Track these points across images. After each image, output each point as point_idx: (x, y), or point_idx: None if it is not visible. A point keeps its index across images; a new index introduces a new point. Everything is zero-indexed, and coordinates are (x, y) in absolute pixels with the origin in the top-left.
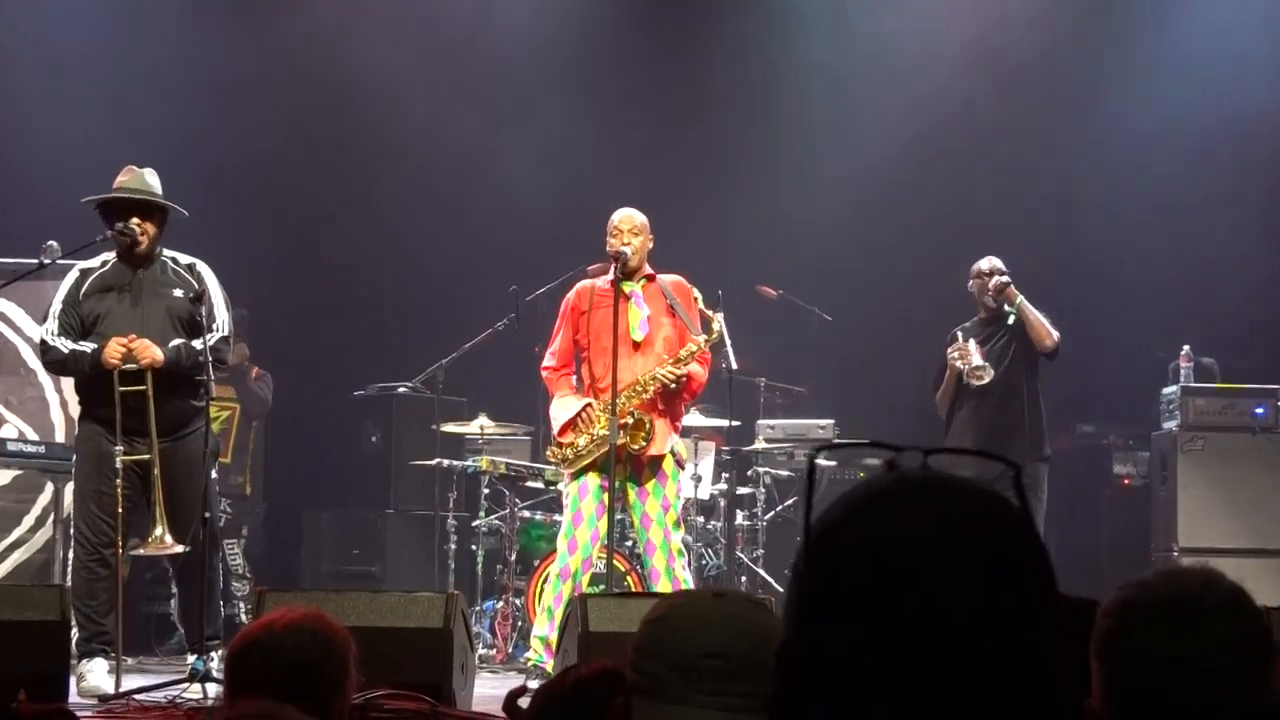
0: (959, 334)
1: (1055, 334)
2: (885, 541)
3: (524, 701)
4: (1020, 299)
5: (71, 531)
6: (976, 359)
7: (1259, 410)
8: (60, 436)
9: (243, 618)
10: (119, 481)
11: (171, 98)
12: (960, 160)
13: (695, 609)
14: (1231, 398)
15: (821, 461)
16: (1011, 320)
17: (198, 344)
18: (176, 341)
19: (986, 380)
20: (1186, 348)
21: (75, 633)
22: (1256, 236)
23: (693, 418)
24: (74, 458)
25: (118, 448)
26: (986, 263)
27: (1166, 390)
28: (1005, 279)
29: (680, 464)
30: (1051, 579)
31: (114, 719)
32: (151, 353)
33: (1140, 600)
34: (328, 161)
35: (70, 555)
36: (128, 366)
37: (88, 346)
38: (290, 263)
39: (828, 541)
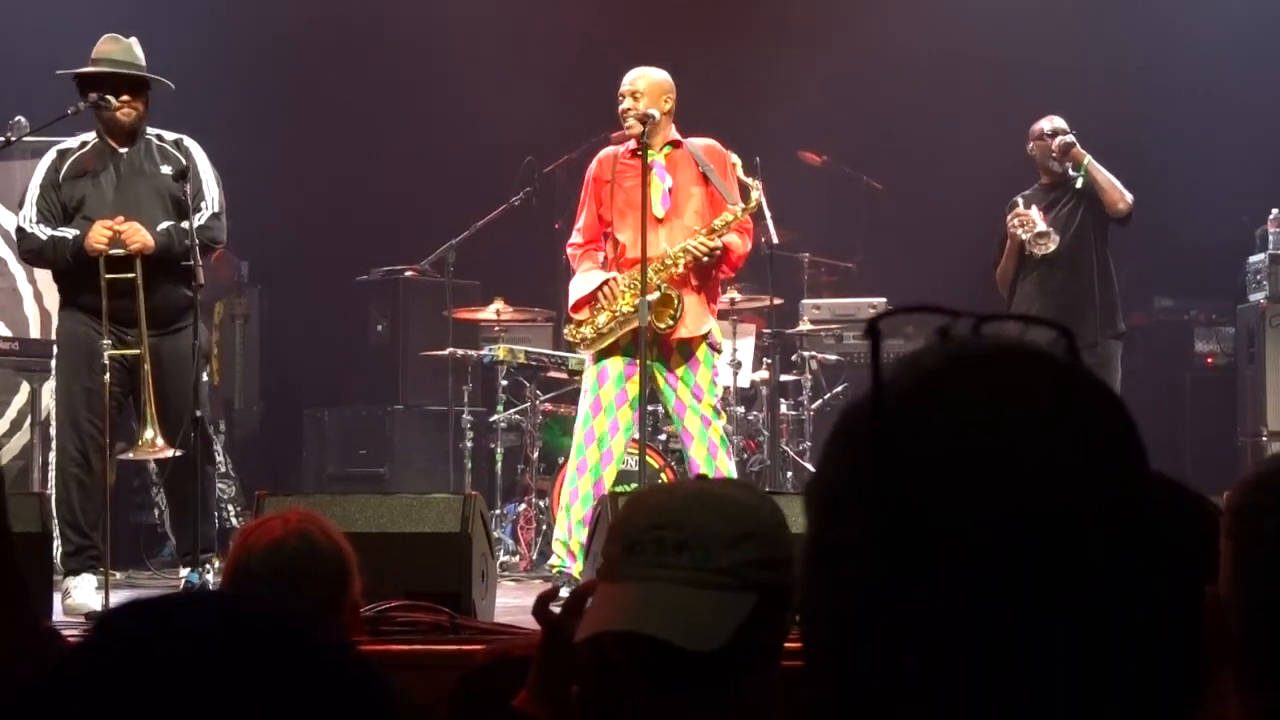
0: (1019, 201)
1: (1129, 196)
2: (956, 418)
3: (556, 606)
4: (1088, 159)
5: (54, 434)
6: (1040, 225)
7: None
8: (35, 332)
9: (234, 522)
10: (106, 378)
11: None
12: (1025, 11)
13: (665, 487)
14: None
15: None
16: (1079, 184)
17: (188, 225)
18: (166, 224)
19: (1052, 248)
20: (1276, 210)
21: (59, 546)
22: None
23: (731, 297)
24: (54, 353)
25: (105, 341)
26: (1048, 123)
27: (1254, 259)
28: (1070, 139)
29: (715, 348)
30: (1145, 454)
31: None
32: (141, 236)
33: None
34: (327, 31)
35: (51, 460)
36: (115, 252)
37: (69, 232)
38: (285, 137)
39: (902, 413)
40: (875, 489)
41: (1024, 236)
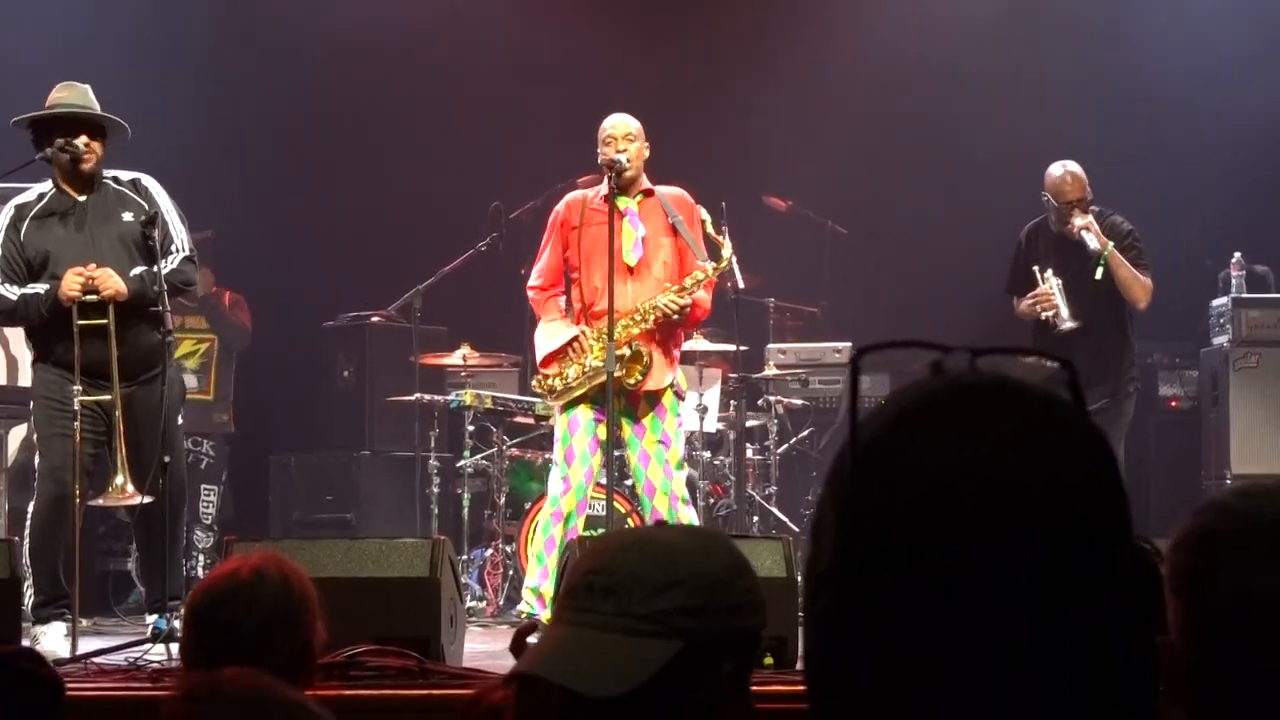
0: (1036, 271)
1: (1148, 284)
2: (943, 450)
3: (533, 639)
4: (1110, 248)
5: (35, 483)
6: (1064, 310)
7: None
8: (1, 379)
9: (199, 572)
10: (78, 424)
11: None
12: (993, 59)
13: (621, 533)
14: None
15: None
16: (1099, 275)
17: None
18: (138, 270)
19: (1072, 326)
20: (1238, 255)
21: (30, 595)
22: None
23: (697, 343)
24: (31, 405)
25: (76, 388)
26: (1064, 184)
27: (1216, 302)
28: (1093, 238)
29: (680, 396)
30: (1124, 491)
31: (71, 683)
32: (114, 283)
33: (1223, 528)
34: (292, 70)
35: (26, 507)
36: (88, 298)
37: (40, 288)
38: (251, 181)
39: (877, 455)
40: (848, 524)
41: (1044, 316)
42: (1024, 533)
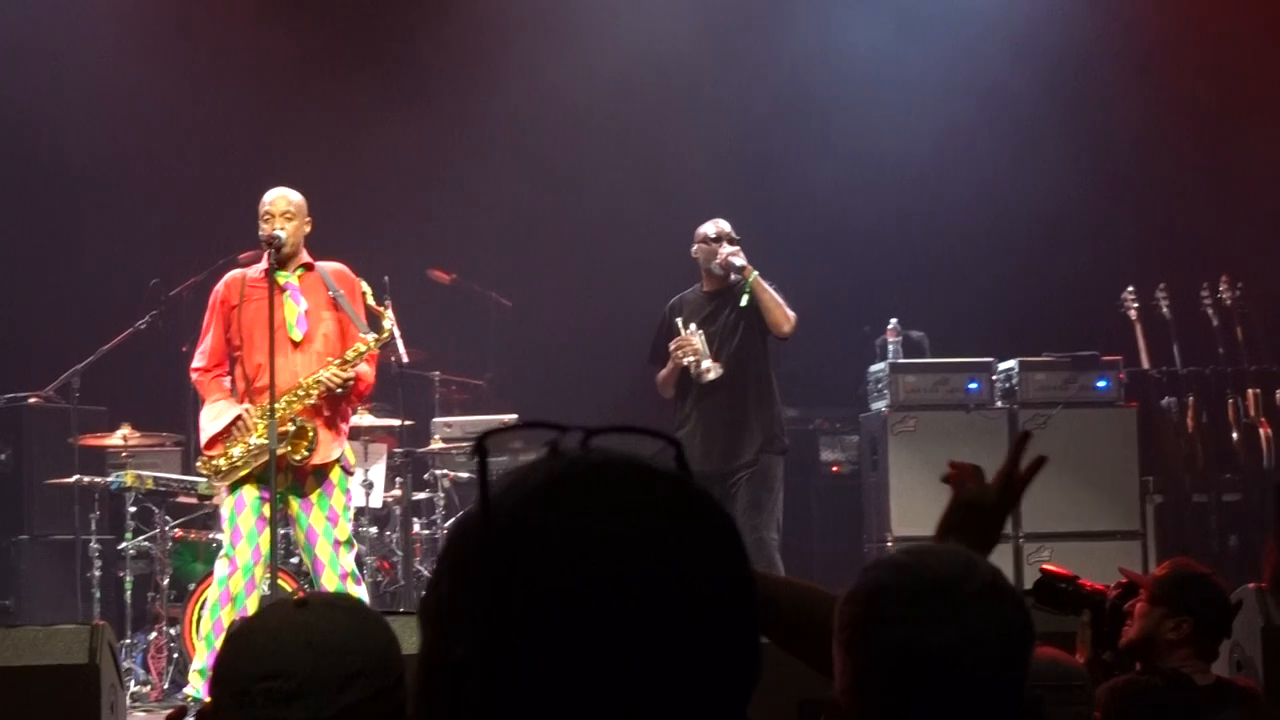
0: (679, 322)
1: (793, 316)
2: (570, 531)
3: None
4: (754, 275)
5: None
6: (705, 361)
7: (972, 385)
8: None
9: None
10: None
11: None
12: (659, 119)
13: (268, 623)
14: (943, 373)
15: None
16: (744, 302)
17: None
18: None
19: (714, 377)
20: (894, 321)
21: None
22: (967, 203)
23: (362, 418)
24: None
25: None
26: (713, 226)
27: (874, 368)
28: (739, 260)
29: (348, 471)
30: (746, 560)
31: None
32: None
33: (894, 584)
34: None
35: None
36: None
37: None
38: None
39: (506, 534)
40: (483, 606)
41: (686, 363)
42: (650, 606)
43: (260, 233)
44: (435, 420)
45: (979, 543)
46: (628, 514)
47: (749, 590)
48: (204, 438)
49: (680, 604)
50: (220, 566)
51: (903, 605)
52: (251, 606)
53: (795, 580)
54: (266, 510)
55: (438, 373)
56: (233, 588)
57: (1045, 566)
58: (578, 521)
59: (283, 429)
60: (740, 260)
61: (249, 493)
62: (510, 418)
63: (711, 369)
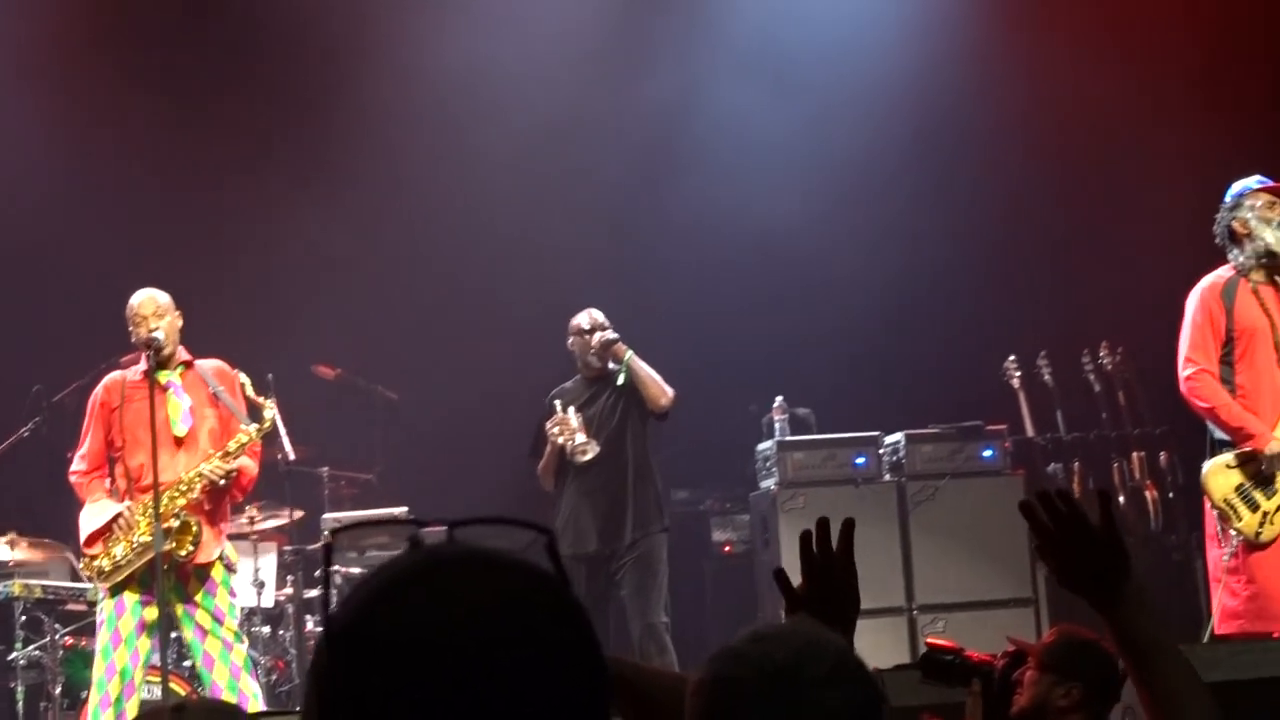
0: (557, 404)
1: (670, 391)
2: (414, 632)
3: None
4: (629, 354)
5: None
6: (580, 436)
7: (859, 460)
8: None
9: None
10: None
11: None
12: (532, 206)
13: None
14: (830, 449)
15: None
16: (621, 380)
17: None
18: None
19: (590, 456)
20: (779, 399)
21: None
22: (844, 274)
23: (249, 516)
24: None
25: None
26: (586, 318)
27: (762, 446)
28: (610, 335)
29: (231, 569)
30: (598, 651)
31: None
32: None
33: (735, 675)
34: None
35: None
36: None
37: None
38: None
39: (349, 637)
40: (327, 709)
41: (561, 442)
42: (499, 701)
43: (135, 337)
44: (325, 516)
45: (833, 616)
46: (471, 611)
47: (599, 681)
48: (84, 534)
49: (523, 699)
50: (98, 670)
51: (744, 698)
52: (131, 711)
53: (654, 668)
54: (147, 614)
55: (326, 468)
56: (113, 692)
57: (930, 640)
58: (415, 623)
59: (166, 525)
60: (612, 334)
61: (129, 596)
62: (400, 510)
63: (588, 447)
